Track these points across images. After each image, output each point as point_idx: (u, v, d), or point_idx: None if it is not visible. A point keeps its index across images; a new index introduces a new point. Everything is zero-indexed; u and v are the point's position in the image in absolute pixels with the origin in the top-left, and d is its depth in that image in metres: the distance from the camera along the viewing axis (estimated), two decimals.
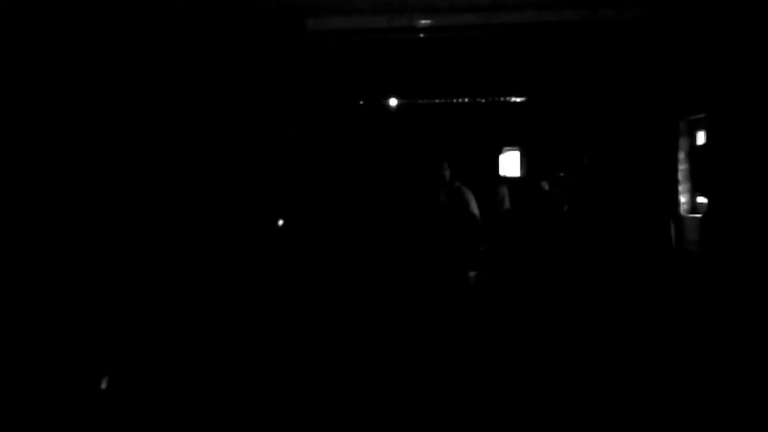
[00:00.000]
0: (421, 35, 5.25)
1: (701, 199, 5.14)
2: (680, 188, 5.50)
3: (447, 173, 4.73)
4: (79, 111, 3.19)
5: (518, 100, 8.99)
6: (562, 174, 6.23)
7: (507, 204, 5.85)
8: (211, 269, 4.18)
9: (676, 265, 2.94)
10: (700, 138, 5.41)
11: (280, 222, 5.49)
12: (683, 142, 5.60)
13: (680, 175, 5.53)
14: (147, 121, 3.70)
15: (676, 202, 5.46)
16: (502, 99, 9.04)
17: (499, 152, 10.17)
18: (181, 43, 4.04)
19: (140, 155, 3.62)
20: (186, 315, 3.80)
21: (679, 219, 5.19)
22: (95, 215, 3.30)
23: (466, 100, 9.07)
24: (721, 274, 2.64)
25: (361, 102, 8.92)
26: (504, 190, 5.84)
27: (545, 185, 5.86)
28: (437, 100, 9.09)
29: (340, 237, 5.52)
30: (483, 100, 9.10)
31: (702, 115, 5.15)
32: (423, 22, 4.92)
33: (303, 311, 4.66)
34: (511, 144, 10.12)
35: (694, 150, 3.23)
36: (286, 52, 5.34)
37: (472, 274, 4.43)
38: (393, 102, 9.06)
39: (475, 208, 4.89)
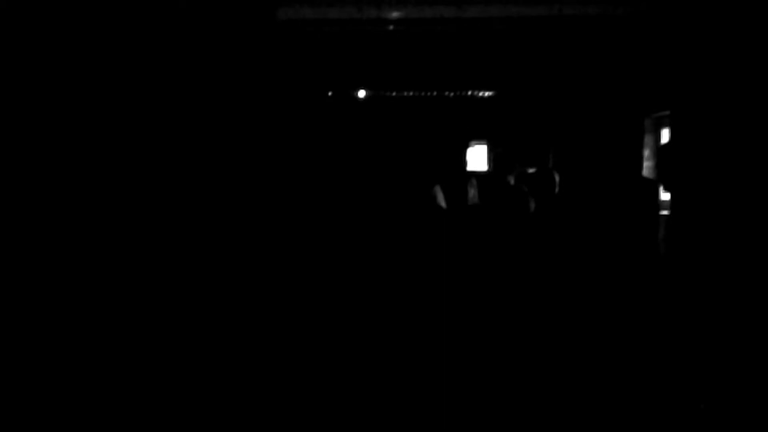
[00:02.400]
0: (391, 27, 5.24)
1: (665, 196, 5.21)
2: None
3: (415, 167, 4.74)
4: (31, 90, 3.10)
5: (487, 94, 9.04)
6: (529, 169, 6.27)
7: (476, 198, 5.87)
8: (181, 265, 4.11)
9: (647, 260, 2.97)
10: (665, 135, 5.49)
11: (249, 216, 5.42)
12: (648, 139, 5.68)
13: (645, 172, 5.61)
14: (108, 113, 3.61)
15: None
16: (470, 93, 9.07)
17: (467, 146, 10.20)
18: (146, 31, 3.95)
19: (105, 147, 3.53)
20: (167, 310, 3.73)
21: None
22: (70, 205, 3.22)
23: (435, 93, 9.09)
24: (687, 269, 2.67)
25: (330, 93, 8.87)
26: (473, 184, 5.85)
27: (511, 180, 5.89)
28: (406, 93, 9.09)
29: (311, 230, 5.48)
30: (451, 94, 9.12)
31: (667, 113, 5.23)
32: (392, 14, 4.91)
33: (280, 307, 4.61)
34: (479, 138, 10.16)
35: (659, 147, 3.27)
36: (255, 42, 5.28)
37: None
38: (362, 94, 9.03)
39: (442, 201, 4.89)
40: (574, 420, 3.26)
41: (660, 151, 3.19)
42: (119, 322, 3.32)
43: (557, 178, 5.51)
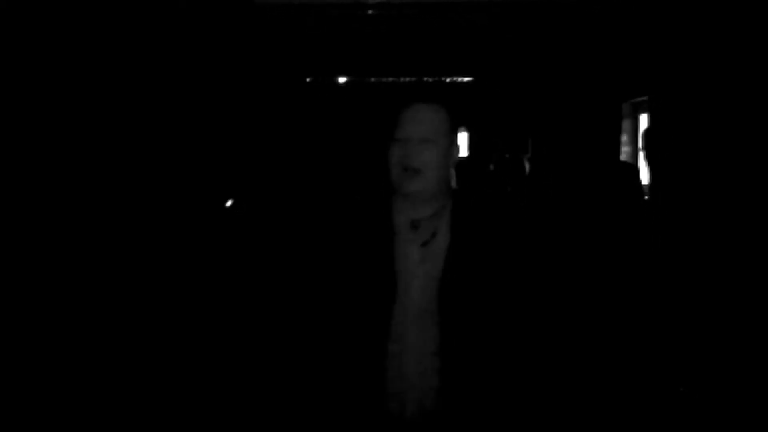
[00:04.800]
0: (370, 12, 5.18)
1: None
2: None
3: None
4: None
5: (466, 80, 9.01)
6: (507, 155, 6.28)
7: (453, 184, 5.88)
8: (153, 253, 4.05)
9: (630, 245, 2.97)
10: (643, 120, 5.51)
11: (228, 202, 5.37)
12: (626, 125, 5.70)
13: (623, 157, 5.64)
14: (80, 95, 3.54)
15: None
16: (449, 79, 9.04)
17: None
18: (121, 11, 3.87)
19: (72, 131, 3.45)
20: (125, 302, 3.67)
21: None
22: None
23: (414, 79, 9.04)
24: (666, 254, 2.68)
25: (308, 79, 8.79)
26: (451, 170, 5.88)
27: (491, 166, 5.90)
28: (385, 79, 9.04)
29: (290, 217, 5.43)
30: (431, 80, 9.08)
31: (645, 98, 5.24)
32: None
33: (250, 298, 4.55)
34: (459, 125, 10.15)
35: (644, 131, 3.27)
36: (233, 25, 5.20)
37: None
38: (341, 79, 8.96)
39: None
40: (553, 404, 3.27)
41: (645, 134, 3.19)
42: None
43: (527, 165, 5.59)
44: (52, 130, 3.28)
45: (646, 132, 3.16)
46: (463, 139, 10.14)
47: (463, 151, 10.06)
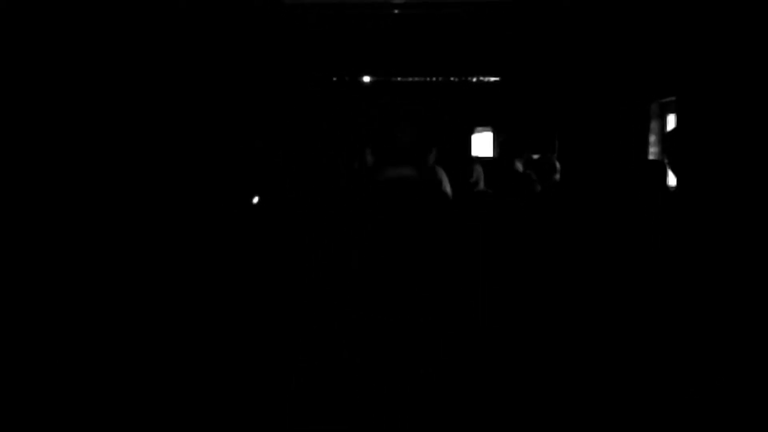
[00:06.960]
0: (396, 11, 5.22)
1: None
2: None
3: (422, 153, 4.72)
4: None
5: (492, 79, 9.00)
6: (535, 155, 6.27)
7: (481, 184, 5.86)
8: (178, 251, 4.09)
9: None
10: (671, 121, 5.47)
11: (255, 199, 5.42)
12: (654, 125, 5.65)
13: (651, 157, 5.60)
14: (106, 94, 3.60)
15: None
16: (475, 79, 9.04)
17: (472, 132, 10.19)
18: (150, 13, 3.93)
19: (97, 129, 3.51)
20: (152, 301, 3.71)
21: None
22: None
23: (440, 79, 9.06)
24: (689, 258, 2.66)
25: (334, 78, 8.84)
26: (479, 171, 5.86)
27: (519, 166, 5.89)
28: (411, 79, 9.06)
29: (316, 215, 5.46)
30: (456, 80, 9.09)
31: (673, 98, 5.20)
32: None
33: (279, 297, 4.57)
34: (484, 124, 10.13)
35: (668, 133, 3.25)
36: (261, 24, 5.26)
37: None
38: (366, 79, 9.00)
39: (448, 187, 4.88)
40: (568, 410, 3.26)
41: (668, 136, 3.17)
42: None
43: (558, 165, 5.53)
44: (71, 132, 3.35)
45: (670, 134, 3.13)
46: (488, 138, 10.13)
47: (489, 151, 10.05)
